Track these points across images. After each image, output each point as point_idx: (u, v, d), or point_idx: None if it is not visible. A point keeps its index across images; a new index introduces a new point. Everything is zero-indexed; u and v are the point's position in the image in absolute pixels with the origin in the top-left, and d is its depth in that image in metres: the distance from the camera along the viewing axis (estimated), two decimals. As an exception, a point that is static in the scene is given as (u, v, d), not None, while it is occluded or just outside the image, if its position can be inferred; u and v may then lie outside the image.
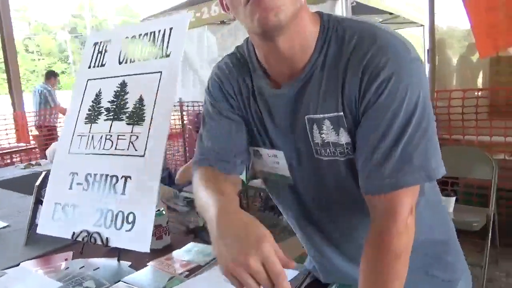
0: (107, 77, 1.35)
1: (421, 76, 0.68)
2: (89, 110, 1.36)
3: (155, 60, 1.25)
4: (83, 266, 1.21)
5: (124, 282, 1.10)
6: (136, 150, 1.21)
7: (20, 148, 5.19)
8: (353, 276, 0.81)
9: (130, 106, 1.27)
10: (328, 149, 0.75)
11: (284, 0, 0.64)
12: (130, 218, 1.17)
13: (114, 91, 1.31)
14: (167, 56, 1.23)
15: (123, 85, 1.31)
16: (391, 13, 5.34)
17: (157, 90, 1.21)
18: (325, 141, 0.74)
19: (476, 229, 2.39)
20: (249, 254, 0.57)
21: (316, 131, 0.74)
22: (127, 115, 1.26)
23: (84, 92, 1.39)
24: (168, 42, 1.23)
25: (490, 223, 2.44)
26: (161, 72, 1.22)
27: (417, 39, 9.68)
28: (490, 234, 2.45)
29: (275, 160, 0.83)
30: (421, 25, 6.53)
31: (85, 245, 1.28)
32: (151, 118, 1.21)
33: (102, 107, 1.33)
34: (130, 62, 1.32)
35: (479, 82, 4.17)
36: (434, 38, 3.77)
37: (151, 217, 1.14)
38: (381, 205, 0.69)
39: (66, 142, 1.37)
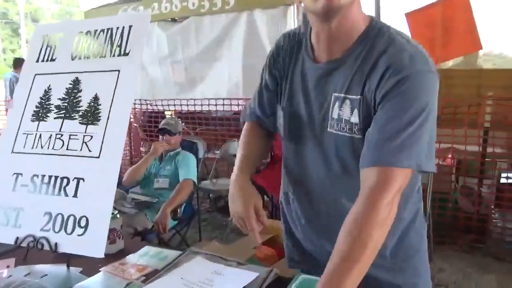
0: (57, 73, 1.28)
1: (432, 87, 0.82)
2: (37, 107, 1.27)
3: (113, 58, 1.21)
4: (29, 273, 1.13)
5: (76, 290, 1.05)
6: (90, 151, 1.16)
7: None
8: (322, 253, 0.99)
9: (83, 104, 1.21)
10: (340, 124, 0.89)
11: None
12: (83, 222, 1.11)
13: (66, 88, 1.24)
14: (126, 54, 1.19)
15: (76, 82, 1.24)
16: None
17: (115, 89, 1.17)
18: (340, 117, 0.89)
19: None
20: (239, 212, 1.01)
21: (336, 108, 0.89)
22: (80, 113, 1.20)
23: (31, 87, 1.30)
24: (127, 40, 1.19)
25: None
26: (119, 70, 1.18)
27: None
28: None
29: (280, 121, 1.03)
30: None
31: (29, 251, 1.20)
32: (108, 118, 1.16)
33: (52, 104, 1.25)
34: (85, 58, 1.26)
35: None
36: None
37: (106, 221, 1.09)
38: (375, 177, 0.79)
39: (9, 141, 1.28)
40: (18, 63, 5.92)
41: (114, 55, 1.21)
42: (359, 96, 0.85)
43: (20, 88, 1.33)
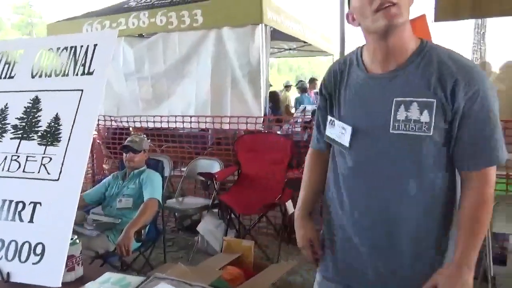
0: (16, 91, 1.22)
1: (495, 90, 1.00)
2: (-8, 126, 1.21)
3: (76, 76, 1.17)
4: (-24, 307, 1.05)
5: (29, 323, 0.98)
6: (49, 173, 1.10)
7: None
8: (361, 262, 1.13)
9: (43, 124, 1.16)
10: (408, 125, 1.01)
11: (402, 12, 0.97)
12: (38, 250, 1.05)
13: (25, 107, 1.19)
14: (90, 73, 1.15)
15: (36, 101, 1.19)
16: (305, 42, 5.70)
17: (77, 109, 1.13)
18: (409, 117, 1.00)
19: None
20: (300, 244, 1.26)
21: (402, 110, 1.01)
22: (39, 134, 1.15)
23: (-14, 106, 1.24)
24: (91, 59, 1.16)
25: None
26: (82, 90, 1.14)
27: (326, 65, 10.40)
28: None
29: (342, 132, 1.12)
30: (331, 55, 7.09)
31: (-22, 281, 1.11)
32: (69, 139, 1.11)
33: (9, 123, 1.19)
34: (46, 76, 1.21)
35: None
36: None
37: (64, 247, 1.04)
38: (480, 177, 1.01)
39: (-41, 162, 1.20)
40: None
41: (77, 74, 1.17)
42: (431, 99, 0.99)
43: (-27, 106, 1.26)
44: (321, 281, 1.26)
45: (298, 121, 4.75)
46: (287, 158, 3.38)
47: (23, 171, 1.12)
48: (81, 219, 2.54)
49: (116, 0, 5.09)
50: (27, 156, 1.13)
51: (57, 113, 1.15)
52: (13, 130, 1.18)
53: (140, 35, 4.63)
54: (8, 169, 1.14)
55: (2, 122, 1.20)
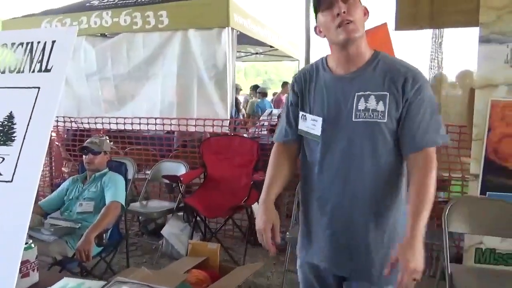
0: (-35, 87, 1.15)
1: (431, 88, 1.25)
2: None
3: (32, 73, 1.11)
4: None
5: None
6: (1, 174, 1.04)
7: None
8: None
9: (-5, 123, 1.09)
10: (367, 113, 1.21)
11: (358, 28, 1.19)
12: (-11, 255, 0.99)
13: (-25, 105, 1.12)
14: (47, 70, 1.10)
15: (-12, 98, 1.13)
16: (271, 46, 5.75)
17: (33, 107, 1.07)
18: (367, 107, 1.21)
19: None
20: (260, 229, 1.29)
21: (362, 102, 1.22)
22: (-9, 133, 1.09)
23: None
24: (49, 56, 1.11)
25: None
26: (39, 87, 1.09)
27: (292, 70, 10.57)
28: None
29: (314, 123, 1.29)
30: (297, 60, 7.19)
31: None
32: (24, 138, 1.06)
33: (-43, 122, 1.12)
34: (-1, 72, 1.15)
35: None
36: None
37: (17, 253, 0.98)
38: (424, 157, 1.19)
39: None
40: None
41: (33, 71, 1.12)
42: (385, 92, 1.20)
43: None
44: (298, 262, 1.46)
45: (265, 124, 4.78)
46: (253, 161, 3.40)
47: (-27, 172, 1.06)
48: (38, 223, 2.43)
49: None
50: (-22, 156, 1.07)
51: (11, 111, 1.09)
52: (-38, 129, 1.10)
53: (103, 35, 4.51)
54: (-44, 170, 1.07)
55: (-50, 120, 1.12)
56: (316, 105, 1.30)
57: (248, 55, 7.86)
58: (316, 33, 1.29)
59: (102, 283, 1.15)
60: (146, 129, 4.15)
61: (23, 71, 1.13)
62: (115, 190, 2.54)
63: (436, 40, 3.92)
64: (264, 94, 8.12)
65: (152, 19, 4.02)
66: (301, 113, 1.34)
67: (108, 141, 2.85)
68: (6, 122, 1.08)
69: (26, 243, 1.09)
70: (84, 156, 2.70)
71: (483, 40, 2.45)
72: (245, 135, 4.25)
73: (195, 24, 3.91)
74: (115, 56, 4.29)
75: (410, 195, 1.19)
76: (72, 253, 2.30)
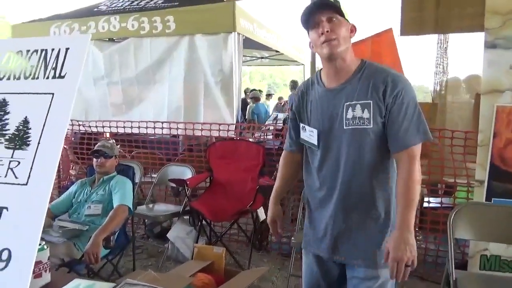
0: (-18, 93, 1.18)
1: (413, 89, 1.36)
2: (-45, 128, 1.16)
3: (46, 80, 1.15)
4: None
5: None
6: (16, 177, 1.07)
7: None
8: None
9: (11, 128, 1.13)
10: (355, 121, 1.35)
11: (341, 43, 1.33)
12: (4, 255, 1.02)
13: (-9, 110, 1.15)
14: (61, 77, 1.14)
15: (3, 103, 1.16)
16: (277, 51, 5.79)
17: (48, 113, 1.11)
18: (354, 116, 1.35)
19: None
20: (268, 221, 1.66)
21: (350, 111, 1.35)
22: (6, 137, 1.12)
23: (-51, 108, 1.19)
24: (63, 63, 1.14)
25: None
26: (53, 93, 1.12)
27: (298, 74, 10.60)
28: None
29: (311, 134, 1.46)
30: (302, 64, 7.23)
31: None
32: (38, 143, 1.09)
33: (-26, 126, 1.15)
34: (14, 79, 1.18)
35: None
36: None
37: (32, 253, 1.01)
38: (406, 156, 1.31)
39: None
40: None
41: (48, 77, 1.15)
42: (368, 100, 1.33)
43: None
44: (302, 251, 1.62)
45: (270, 128, 4.80)
46: (258, 165, 3.41)
47: (-11, 176, 1.09)
48: (47, 225, 2.46)
49: (84, 3, 5.00)
50: (-6, 160, 1.10)
51: (26, 117, 1.13)
52: (-22, 133, 1.14)
53: (111, 39, 4.56)
54: (-27, 173, 1.10)
55: (-33, 125, 1.16)
56: (313, 117, 1.47)
57: (254, 59, 7.91)
58: (310, 47, 1.46)
59: (111, 284, 1.18)
60: (153, 133, 4.18)
61: (37, 78, 1.16)
62: (123, 193, 2.57)
63: (442, 46, 3.93)
64: (256, 99, 8.01)
65: (159, 24, 4.07)
66: (301, 124, 1.52)
67: (116, 145, 2.89)
68: (21, 127, 1.12)
69: (39, 244, 1.11)
70: (95, 159, 2.73)
71: (489, 45, 2.46)
72: (250, 139, 4.28)
73: (202, 29, 3.95)
74: (122, 61, 4.34)
75: (397, 194, 1.34)
76: (80, 255, 2.33)
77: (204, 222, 3.24)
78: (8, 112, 1.15)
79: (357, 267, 1.41)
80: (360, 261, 1.40)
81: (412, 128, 1.32)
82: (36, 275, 1.15)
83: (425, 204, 3.30)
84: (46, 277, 1.19)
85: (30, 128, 1.11)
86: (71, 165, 5.00)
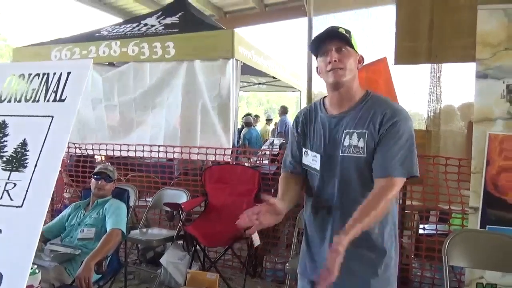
0: (-19, 115, 1.20)
1: (411, 125, 1.36)
2: (-47, 150, 1.17)
3: (47, 103, 1.17)
4: None
5: None
6: (12, 199, 1.08)
7: None
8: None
9: (9, 150, 1.14)
10: (350, 149, 1.37)
11: (347, 73, 1.37)
12: (-5, 279, 1.01)
13: (-10, 132, 1.17)
14: (62, 100, 1.16)
15: (3, 125, 1.18)
16: (274, 77, 5.88)
17: (46, 135, 1.12)
18: (351, 144, 1.37)
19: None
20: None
21: (347, 139, 1.38)
22: (4, 159, 1.13)
23: None
24: (64, 87, 1.17)
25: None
26: (52, 116, 1.14)
27: (294, 100, 10.74)
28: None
29: (314, 159, 1.47)
30: (299, 91, 7.33)
31: None
32: (35, 165, 1.10)
33: (-28, 148, 1.16)
34: (15, 101, 1.20)
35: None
36: (311, 100, 4.30)
37: (23, 277, 1.00)
38: (385, 182, 1.30)
39: None
40: None
41: (48, 100, 1.17)
42: (364, 130, 1.36)
43: None
44: (298, 277, 1.61)
45: (266, 153, 4.82)
46: (254, 190, 3.41)
47: (-16, 197, 1.09)
48: (39, 249, 2.43)
49: (85, 28, 5.11)
50: (-11, 182, 1.10)
51: (24, 139, 1.14)
52: (-24, 155, 1.15)
53: (110, 63, 4.63)
54: (-32, 194, 1.10)
55: (-35, 146, 1.17)
56: (315, 143, 1.48)
57: (251, 85, 8.01)
58: (317, 73, 1.49)
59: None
60: (149, 156, 4.19)
61: (38, 100, 1.18)
62: (117, 217, 2.55)
63: (435, 74, 4.01)
64: (248, 124, 8.02)
65: (159, 50, 4.14)
66: (304, 149, 1.53)
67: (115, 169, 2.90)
68: (19, 149, 1.13)
69: (31, 268, 1.10)
70: (95, 181, 2.72)
71: (480, 75, 2.53)
72: (246, 164, 4.29)
73: (201, 55, 4.03)
74: (121, 84, 4.39)
75: (358, 207, 1.30)
76: (71, 280, 2.29)
77: (198, 247, 3.21)
78: (7, 134, 1.16)
79: None
80: None
81: (399, 159, 1.31)
82: (27, 299, 1.13)
83: (420, 231, 3.29)
84: (37, 302, 1.17)
85: (28, 150, 1.12)
86: (65, 188, 4.97)
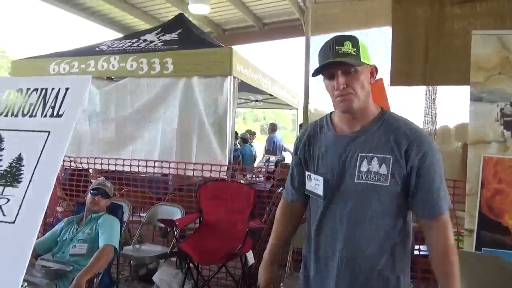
0: (-22, 129, 1.20)
1: (439, 151, 1.24)
2: None
3: (44, 118, 1.17)
4: None
5: None
6: (4, 215, 1.07)
7: None
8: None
9: (4, 164, 1.13)
10: (370, 175, 1.20)
11: (357, 98, 1.21)
12: (-16, 297, 0.99)
13: (-14, 146, 1.16)
14: (59, 116, 1.16)
15: (-2, 139, 1.17)
16: (271, 95, 5.92)
17: (42, 151, 1.12)
18: (370, 170, 1.21)
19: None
20: (261, 286, 1.39)
21: (365, 163, 1.21)
22: (-2, 174, 1.12)
23: None
24: (62, 102, 1.17)
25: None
26: (49, 132, 1.14)
27: (290, 117, 10.77)
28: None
29: (316, 183, 1.30)
30: (295, 108, 7.37)
31: None
32: (30, 181, 1.09)
33: (-34, 161, 1.15)
34: (12, 116, 1.20)
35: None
36: (307, 118, 4.33)
37: (13, 295, 0.98)
38: (440, 223, 1.20)
39: None
40: None
41: (45, 116, 1.17)
42: (388, 156, 1.20)
43: None
44: None
45: (262, 171, 4.81)
46: (249, 208, 3.38)
47: (-24, 212, 1.08)
48: (30, 264, 2.38)
49: (84, 42, 5.14)
50: (-17, 196, 1.09)
51: (20, 153, 1.14)
52: (-30, 169, 1.14)
53: (109, 78, 4.64)
54: (-40, 209, 1.09)
55: (-41, 160, 1.16)
56: (321, 165, 1.31)
57: (248, 101, 8.05)
58: (327, 90, 1.30)
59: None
60: (144, 171, 4.16)
61: (35, 115, 1.18)
62: (110, 233, 2.52)
63: (430, 96, 4.06)
64: (244, 141, 8.04)
65: (157, 65, 4.17)
66: (307, 173, 1.36)
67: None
68: (14, 164, 1.12)
69: (21, 285, 1.08)
70: (91, 196, 2.70)
71: (474, 98, 2.56)
72: (241, 181, 4.27)
73: (199, 72, 4.05)
74: (119, 99, 4.39)
75: (436, 272, 1.19)
76: (62, 297, 2.24)
77: (191, 264, 3.16)
78: (3, 149, 1.16)
79: None
80: None
81: (443, 194, 1.22)
82: (15, 317, 1.10)
83: (416, 252, 3.27)
84: (25, 320, 1.14)
85: (23, 165, 1.12)
86: (59, 202, 4.91)
